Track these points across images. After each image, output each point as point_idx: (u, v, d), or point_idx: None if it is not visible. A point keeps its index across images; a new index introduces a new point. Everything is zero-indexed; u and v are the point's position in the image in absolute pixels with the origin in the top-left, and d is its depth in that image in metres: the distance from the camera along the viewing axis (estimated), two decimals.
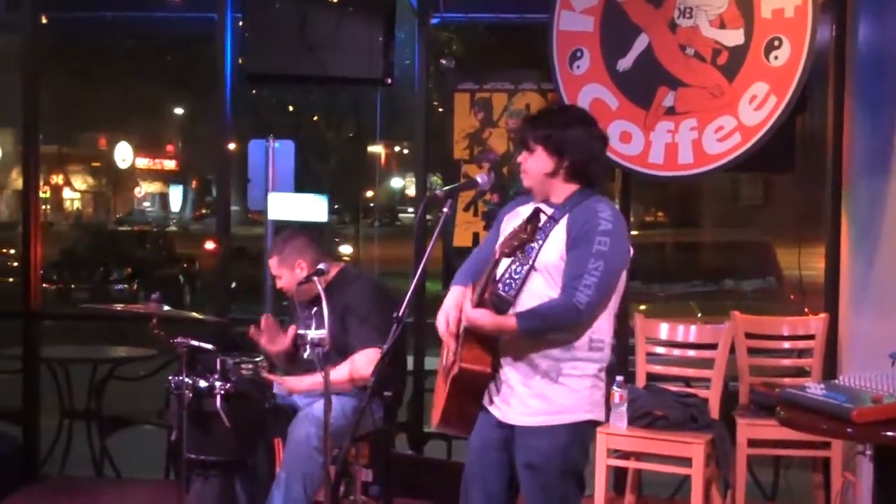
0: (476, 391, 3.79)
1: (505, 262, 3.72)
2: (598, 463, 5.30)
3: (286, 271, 5.10)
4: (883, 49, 5.52)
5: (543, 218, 3.60)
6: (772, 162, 5.88)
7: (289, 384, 4.98)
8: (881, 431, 3.54)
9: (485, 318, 3.60)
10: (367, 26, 5.96)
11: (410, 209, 29.95)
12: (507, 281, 3.71)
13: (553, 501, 3.75)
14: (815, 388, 3.82)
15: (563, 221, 3.69)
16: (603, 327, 3.74)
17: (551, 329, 3.66)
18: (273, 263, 5.14)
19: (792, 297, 9.38)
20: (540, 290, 3.66)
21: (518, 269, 3.69)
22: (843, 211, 5.92)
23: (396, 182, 37.20)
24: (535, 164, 3.76)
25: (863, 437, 4.07)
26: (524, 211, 3.82)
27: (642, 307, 9.39)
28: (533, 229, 3.42)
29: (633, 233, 7.20)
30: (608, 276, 3.63)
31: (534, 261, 3.67)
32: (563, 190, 3.77)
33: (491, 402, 3.80)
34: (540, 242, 3.67)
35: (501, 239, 3.72)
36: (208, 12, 6.52)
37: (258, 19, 6.09)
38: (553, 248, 3.66)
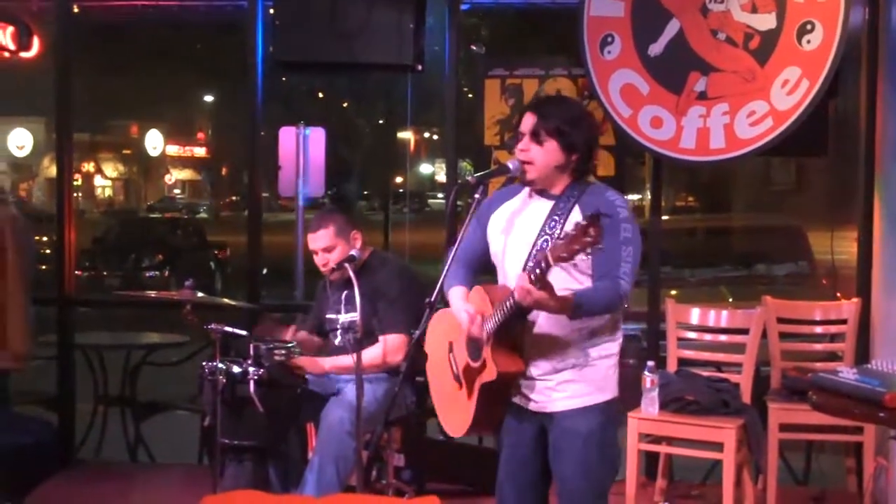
0: (508, 392, 3.81)
1: (521, 259, 3.71)
2: (630, 447, 5.31)
3: (342, 242, 5.07)
4: None
5: (605, 220, 3.45)
6: (804, 146, 5.86)
7: (309, 366, 5.03)
8: None
9: (551, 297, 3.50)
10: (397, 12, 5.97)
11: (440, 195, 29.94)
12: None
13: (589, 482, 3.77)
14: (847, 373, 3.83)
15: (575, 212, 3.68)
16: None
17: (601, 312, 3.70)
18: (327, 234, 5.06)
19: (824, 281, 9.34)
20: (560, 283, 3.65)
21: (533, 264, 3.69)
22: (876, 195, 5.89)
23: (426, 168, 37.22)
24: (546, 156, 3.74)
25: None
26: (518, 205, 3.84)
27: (673, 292, 9.37)
28: (598, 232, 3.31)
29: (665, 217, 7.19)
30: (637, 260, 3.69)
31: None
32: (562, 181, 3.78)
33: (524, 397, 3.81)
34: (555, 236, 3.65)
35: (527, 239, 3.73)
36: (239, 0, 6.54)
37: (288, 7, 6.12)
38: None
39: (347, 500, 2.51)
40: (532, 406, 3.81)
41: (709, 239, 11.88)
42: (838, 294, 6.49)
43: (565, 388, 3.75)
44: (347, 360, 4.82)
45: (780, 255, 10.56)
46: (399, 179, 29.21)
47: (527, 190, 3.87)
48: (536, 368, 3.76)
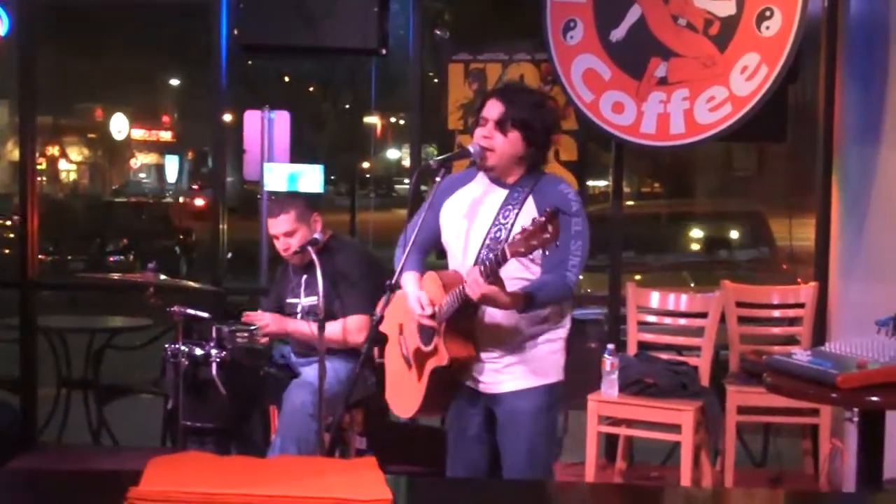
0: (459, 377, 3.88)
1: (475, 247, 3.75)
2: (590, 430, 5.37)
3: (303, 226, 5.10)
4: (873, 20, 5.55)
5: (566, 219, 3.57)
6: (764, 132, 5.92)
7: (273, 327, 5.05)
8: (865, 397, 3.61)
9: (501, 293, 3.58)
10: None
11: (407, 180, 29.87)
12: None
13: (532, 461, 3.83)
14: (801, 355, 3.88)
15: (529, 203, 3.73)
16: None
17: (550, 304, 3.77)
18: (288, 219, 5.08)
19: (784, 266, 9.45)
20: (514, 272, 3.70)
21: (490, 256, 3.74)
22: (834, 180, 5.96)
23: (393, 153, 37.12)
24: (508, 146, 3.78)
25: (847, 403, 4.15)
26: (475, 192, 3.87)
27: (638, 277, 9.46)
28: (556, 229, 3.34)
29: (629, 203, 7.25)
30: (586, 253, 3.77)
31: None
32: (518, 170, 3.83)
33: (476, 380, 3.88)
34: (509, 227, 3.72)
35: (480, 229, 3.79)
36: None
37: None
38: None
39: (287, 461, 2.58)
40: (481, 388, 3.87)
41: (672, 224, 11.98)
42: (799, 280, 6.56)
43: (511, 370, 3.83)
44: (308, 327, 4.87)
45: (742, 241, 10.67)
46: (366, 164, 29.16)
47: (480, 175, 3.90)
48: (486, 352, 3.83)
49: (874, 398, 3.60)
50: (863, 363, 3.64)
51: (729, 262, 10.46)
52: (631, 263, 9.62)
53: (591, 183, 12.22)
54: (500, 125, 3.78)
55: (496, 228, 3.74)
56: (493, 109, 3.80)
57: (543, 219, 3.35)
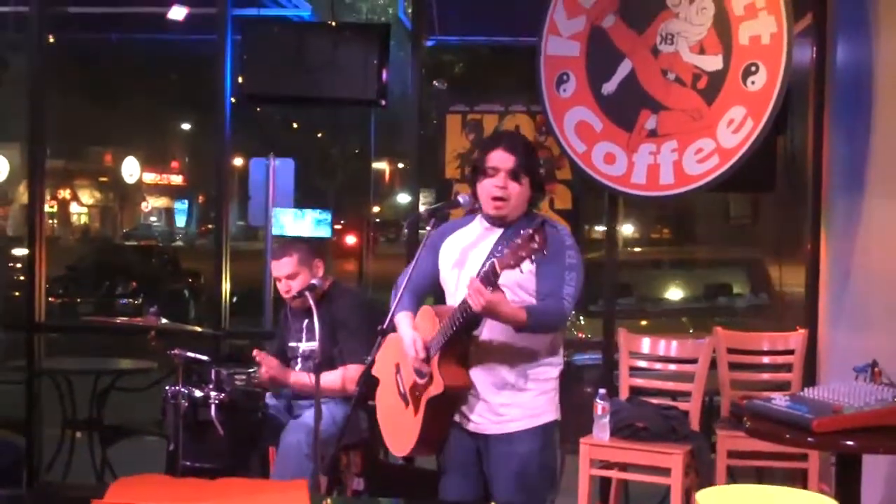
0: (453, 407, 3.96)
1: (467, 278, 3.82)
2: (582, 473, 5.45)
3: (305, 270, 5.21)
4: (858, 72, 5.68)
5: (560, 249, 3.79)
6: (754, 182, 6.06)
7: (274, 372, 5.15)
8: (840, 441, 3.72)
9: (503, 302, 3.68)
10: (362, 49, 6.15)
11: None
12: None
13: (523, 499, 3.90)
14: (780, 400, 4.00)
15: None
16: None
17: (545, 329, 3.86)
18: (290, 263, 5.19)
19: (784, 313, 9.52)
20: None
21: (486, 268, 3.85)
22: (822, 229, 6.08)
23: (403, 197, 37.34)
24: (523, 194, 3.94)
25: (823, 446, 4.25)
26: (471, 237, 4.01)
27: (643, 322, 9.54)
28: (542, 240, 3.48)
29: (636, 249, 7.35)
30: (579, 285, 3.87)
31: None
32: (522, 212, 3.97)
33: (464, 416, 3.97)
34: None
35: (468, 259, 3.93)
36: (209, 34, 6.70)
37: (257, 41, 6.28)
38: None
39: (230, 483, 2.88)
40: (470, 427, 3.96)
41: (672, 271, 12.04)
42: (798, 327, 6.66)
43: (502, 412, 3.91)
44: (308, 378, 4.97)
45: (741, 287, 10.73)
46: (376, 209, 29.34)
47: (478, 220, 4.04)
48: (476, 386, 3.91)
49: (849, 442, 3.71)
50: (838, 408, 3.75)
51: (728, 309, 10.51)
52: (631, 310, 9.72)
53: (597, 227, 12.34)
54: (515, 175, 3.91)
55: (490, 260, 3.85)
56: (506, 160, 3.91)
57: (531, 230, 3.50)
